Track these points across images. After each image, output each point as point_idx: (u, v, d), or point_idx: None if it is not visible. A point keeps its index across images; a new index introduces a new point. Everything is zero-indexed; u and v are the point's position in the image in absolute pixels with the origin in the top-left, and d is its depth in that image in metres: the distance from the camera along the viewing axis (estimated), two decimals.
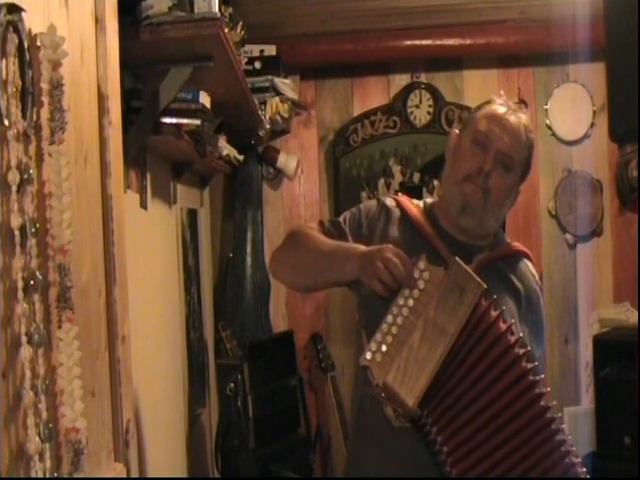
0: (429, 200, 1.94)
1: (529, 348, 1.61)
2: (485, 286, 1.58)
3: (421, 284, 1.59)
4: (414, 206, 1.89)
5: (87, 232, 1.44)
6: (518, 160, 1.81)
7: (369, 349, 1.57)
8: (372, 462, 1.75)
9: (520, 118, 1.83)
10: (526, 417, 1.56)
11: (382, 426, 1.68)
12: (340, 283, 1.79)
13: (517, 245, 1.93)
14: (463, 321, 1.55)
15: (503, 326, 1.58)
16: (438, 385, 1.55)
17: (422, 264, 1.60)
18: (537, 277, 1.91)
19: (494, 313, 1.58)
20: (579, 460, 1.60)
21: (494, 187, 1.77)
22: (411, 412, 1.54)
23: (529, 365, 1.58)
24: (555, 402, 1.61)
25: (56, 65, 1.21)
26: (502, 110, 1.84)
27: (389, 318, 1.58)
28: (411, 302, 1.58)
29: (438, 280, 1.59)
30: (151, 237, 2.67)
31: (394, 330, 1.57)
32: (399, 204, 1.89)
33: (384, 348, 1.56)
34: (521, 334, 1.62)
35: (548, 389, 1.61)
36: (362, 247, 1.71)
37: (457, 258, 1.62)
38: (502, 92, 1.95)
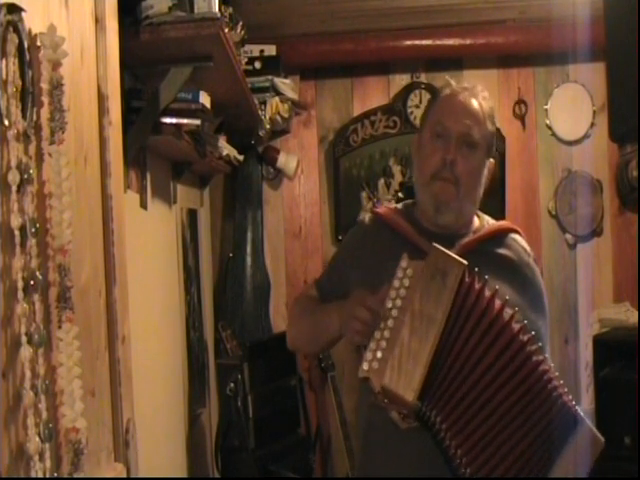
0: (409, 201, 1.93)
1: (517, 309, 1.60)
2: (466, 263, 1.57)
3: (406, 282, 1.59)
4: (392, 211, 1.90)
5: (87, 232, 1.44)
6: (480, 136, 1.78)
7: (365, 359, 1.57)
8: (384, 469, 1.75)
9: (472, 93, 1.82)
10: (520, 377, 1.55)
11: (390, 432, 1.68)
12: (336, 339, 1.82)
13: (501, 223, 1.90)
14: (449, 304, 1.55)
15: (488, 295, 1.57)
16: (435, 373, 1.55)
17: (404, 262, 1.60)
18: (528, 249, 1.86)
19: (478, 286, 1.57)
20: (585, 420, 1.58)
21: (463, 173, 1.75)
22: (413, 407, 1.54)
23: (518, 325, 1.57)
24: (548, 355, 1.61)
25: (56, 65, 1.21)
26: (451, 94, 1.83)
27: (380, 324, 1.59)
28: (399, 302, 1.58)
29: (421, 272, 1.59)
30: (151, 237, 2.67)
31: (387, 334, 1.57)
32: (375, 214, 1.91)
33: (379, 354, 1.56)
34: (507, 297, 1.60)
35: (540, 344, 1.60)
36: (338, 307, 1.75)
37: (435, 244, 1.62)
38: (448, 77, 1.93)
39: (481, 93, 1.83)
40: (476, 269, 1.59)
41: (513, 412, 1.55)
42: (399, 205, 1.94)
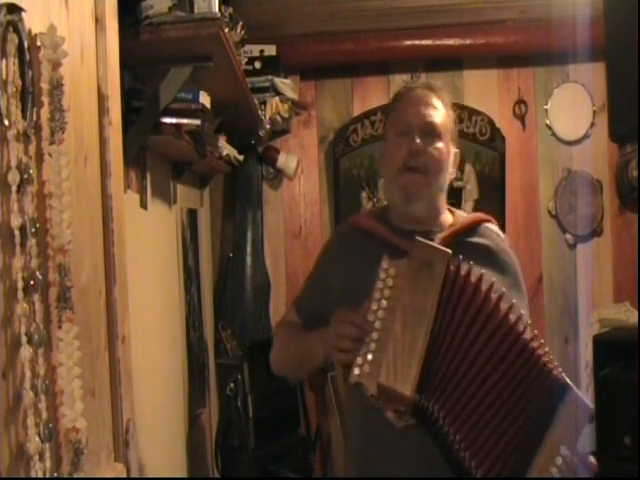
0: (382, 205, 1.98)
1: (504, 289, 1.62)
2: (450, 251, 1.59)
3: (390, 281, 1.59)
4: (365, 216, 1.95)
5: (87, 232, 1.44)
6: (442, 124, 1.82)
7: (356, 364, 1.56)
8: (382, 472, 1.75)
9: (428, 86, 1.88)
10: (512, 356, 1.57)
11: (386, 434, 1.68)
12: (321, 364, 1.85)
13: (476, 214, 1.94)
14: (438, 293, 1.56)
15: (474, 280, 1.59)
16: (430, 363, 1.55)
17: (385, 263, 1.61)
18: (503, 236, 1.91)
19: (464, 272, 1.59)
20: (574, 388, 1.61)
21: (429, 161, 1.79)
22: (411, 401, 1.54)
23: (506, 306, 1.58)
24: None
25: (56, 65, 1.21)
26: (408, 91, 1.90)
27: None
28: (385, 303, 1.58)
29: (407, 267, 1.59)
30: (151, 237, 2.67)
31: (375, 336, 1.57)
32: (349, 223, 1.95)
33: (370, 357, 1.56)
34: (493, 278, 1.62)
35: (529, 321, 1.61)
36: (320, 334, 1.75)
37: (417, 237, 1.64)
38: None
39: (435, 88, 1.89)
40: (460, 257, 1.60)
41: (507, 391, 1.56)
42: (371, 210, 1.98)
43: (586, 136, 3.96)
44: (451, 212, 1.89)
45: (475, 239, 1.84)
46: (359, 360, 1.57)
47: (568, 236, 3.96)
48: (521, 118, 3.99)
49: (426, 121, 1.81)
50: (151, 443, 2.38)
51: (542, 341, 1.60)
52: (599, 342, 3.48)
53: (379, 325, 1.57)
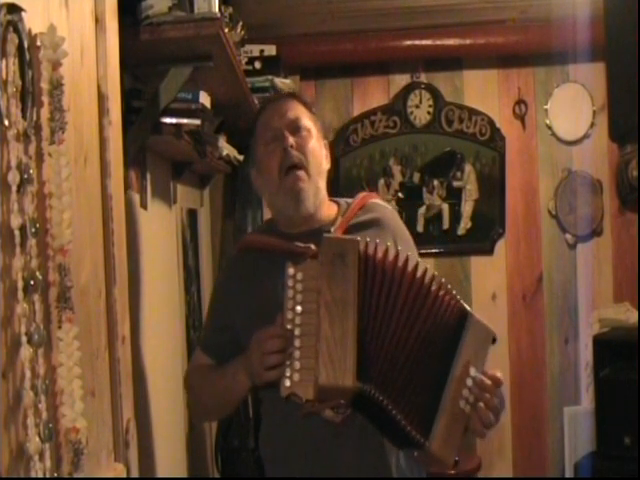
0: (267, 219, 2.02)
1: (409, 253, 1.67)
2: (358, 238, 1.63)
3: (299, 286, 1.58)
4: (255, 235, 2.00)
5: (87, 232, 1.44)
6: (308, 119, 1.89)
7: (284, 377, 1.55)
8: (329, 469, 1.76)
9: (286, 94, 1.98)
10: (426, 310, 1.62)
11: (326, 434, 1.71)
12: (246, 394, 1.83)
13: (361, 196, 1.96)
14: (356, 279, 1.58)
15: (381, 254, 1.62)
16: (363, 348, 1.56)
17: (291, 270, 1.59)
18: (389, 207, 2.00)
19: (371, 251, 1.62)
20: (474, 315, 1.66)
21: (306, 152, 1.82)
22: (354, 390, 1.54)
23: (412, 265, 1.63)
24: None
25: (56, 65, 1.21)
26: (264, 104, 1.97)
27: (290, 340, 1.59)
28: (299, 308, 1.57)
29: (314, 270, 1.59)
30: (151, 237, 2.67)
31: (297, 343, 1.56)
32: (238, 248, 1.96)
33: (297, 365, 1.55)
34: (399, 247, 1.69)
35: (435, 273, 1.65)
36: (240, 361, 1.73)
37: (324, 234, 1.67)
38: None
39: (296, 94, 1.97)
40: (368, 239, 1.64)
41: (426, 343, 1.62)
42: (255, 229, 2.03)
43: (586, 136, 3.96)
44: (335, 202, 1.93)
45: (365, 216, 1.89)
46: (287, 372, 1.55)
47: (568, 236, 3.97)
48: (521, 118, 3.99)
49: (292, 119, 1.85)
50: (151, 443, 2.38)
51: (443, 280, 1.65)
52: (599, 342, 3.49)
53: (299, 332, 1.57)
